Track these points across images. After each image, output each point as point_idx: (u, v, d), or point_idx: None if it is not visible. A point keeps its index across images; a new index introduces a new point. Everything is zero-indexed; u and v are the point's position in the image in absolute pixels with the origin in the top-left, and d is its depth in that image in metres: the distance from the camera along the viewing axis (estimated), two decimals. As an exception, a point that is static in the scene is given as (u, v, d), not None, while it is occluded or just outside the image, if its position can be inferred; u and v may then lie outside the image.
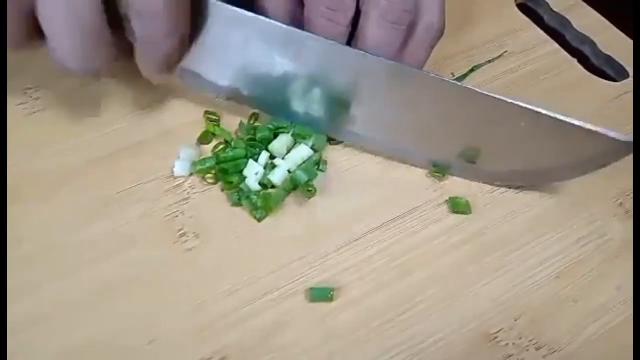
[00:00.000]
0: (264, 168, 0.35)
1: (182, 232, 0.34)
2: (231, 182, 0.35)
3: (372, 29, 0.33)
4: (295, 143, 0.36)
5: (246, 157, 0.35)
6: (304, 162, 0.36)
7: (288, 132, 0.36)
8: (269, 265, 0.33)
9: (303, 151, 0.36)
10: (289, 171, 0.35)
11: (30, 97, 0.39)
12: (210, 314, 0.31)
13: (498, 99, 0.32)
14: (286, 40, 0.33)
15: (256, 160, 0.35)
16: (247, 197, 0.34)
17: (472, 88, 0.33)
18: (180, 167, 0.35)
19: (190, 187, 0.35)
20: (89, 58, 0.30)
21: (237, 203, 0.35)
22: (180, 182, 0.36)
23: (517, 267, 0.33)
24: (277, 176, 0.35)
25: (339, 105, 0.35)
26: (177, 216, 0.34)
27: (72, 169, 0.36)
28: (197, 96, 0.39)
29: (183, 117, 0.38)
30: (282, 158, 0.36)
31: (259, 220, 0.34)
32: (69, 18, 0.28)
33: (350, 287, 0.32)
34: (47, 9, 0.28)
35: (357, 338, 0.31)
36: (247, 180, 0.35)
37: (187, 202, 0.35)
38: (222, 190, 0.35)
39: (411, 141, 0.35)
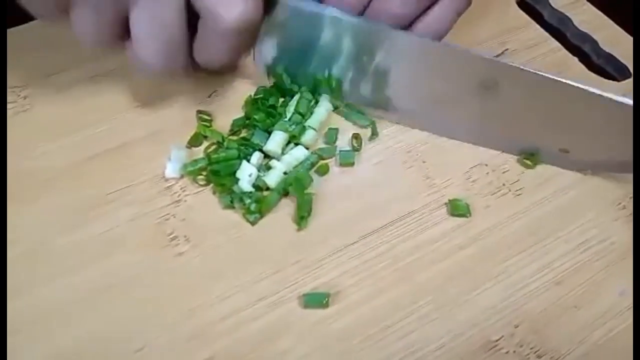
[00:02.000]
0: (258, 170, 0.34)
1: (173, 235, 0.33)
2: (223, 185, 0.34)
3: None
4: (290, 143, 0.36)
5: (239, 157, 0.34)
6: (300, 164, 0.35)
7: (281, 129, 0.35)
8: (263, 270, 0.32)
9: (299, 152, 0.35)
10: (285, 173, 0.34)
11: (19, 95, 0.38)
12: (202, 320, 0.30)
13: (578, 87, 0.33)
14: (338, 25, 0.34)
15: (249, 161, 0.34)
16: (240, 200, 0.33)
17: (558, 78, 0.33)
18: (171, 169, 0.34)
19: (181, 189, 0.34)
20: (170, 60, 0.32)
21: (229, 206, 0.33)
22: (171, 184, 0.35)
23: (517, 273, 0.33)
24: (272, 178, 0.34)
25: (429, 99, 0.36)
26: (168, 219, 0.33)
27: (61, 170, 0.35)
28: (189, 95, 0.38)
29: (174, 116, 0.37)
30: (278, 159, 0.35)
31: (253, 223, 0.33)
32: (156, 23, 0.30)
33: (347, 292, 0.31)
34: (137, 13, 0.30)
35: (354, 345, 0.30)
36: (239, 183, 0.34)
37: (178, 205, 0.34)
38: (214, 193, 0.34)
39: (498, 128, 0.36)
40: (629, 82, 0.42)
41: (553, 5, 0.46)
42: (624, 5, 0.46)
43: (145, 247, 0.32)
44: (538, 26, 0.44)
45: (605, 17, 0.46)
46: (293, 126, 0.35)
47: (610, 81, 0.42)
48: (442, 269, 0.32)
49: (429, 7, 0.34)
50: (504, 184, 0.36)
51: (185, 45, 0.32)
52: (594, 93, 0.33)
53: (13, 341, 0.29)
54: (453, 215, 0.34)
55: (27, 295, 0.30)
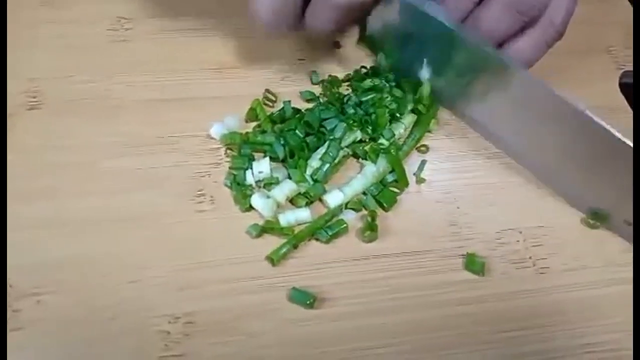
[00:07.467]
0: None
1: (202, 192, 0.35)
2: (236, 162, 0.35)
3: (498, 10, 0.34)
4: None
5: (270, 148, 0.35)
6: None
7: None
8: (268, 252, 0.33)
9: (303, 215, 0.34)
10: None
11: (122, 26, 0.42)
12: (196, 278, 0.32)
13: None
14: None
15: (272, 160, 0.35)
16: (239, 186, 0.34)
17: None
18: (215, 130, 0.36)
19: (225, 154, 0.36)
20: (280, 19, 0.34)
21: (228, 186, 0.35)
22: (218, 146, 0.37)
23: (505, 348, 0.31)
24: (285, 219, 0.34)
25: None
26: (203, 177, 0.35)
27: (131, 102, 0.38)
28: (267, 72, 0.40)
29: (246, 89, 0.39)
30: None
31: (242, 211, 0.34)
32: None
33: (336, 303, 0.32)
34: None
35: (316, 354, 0.30)
36: (247, 172, 0.35)
37: (217, 167, 0.36)
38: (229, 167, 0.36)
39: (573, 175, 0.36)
40: None
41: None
42: None
43: (174, 194, 0.35)
44: (630, 113, 0.41)
45: None
46: (306, 183, 0.35)
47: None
48: (434, 316, 0.32)
49: (519, 32, 0.35)
50: (530, 257, 0.34)
51: (298, 8, 0.34)
52: None
53: (24, 236, 0.32)
54: (467, 269, 0.34)
55: (59, 200, 0.34)
